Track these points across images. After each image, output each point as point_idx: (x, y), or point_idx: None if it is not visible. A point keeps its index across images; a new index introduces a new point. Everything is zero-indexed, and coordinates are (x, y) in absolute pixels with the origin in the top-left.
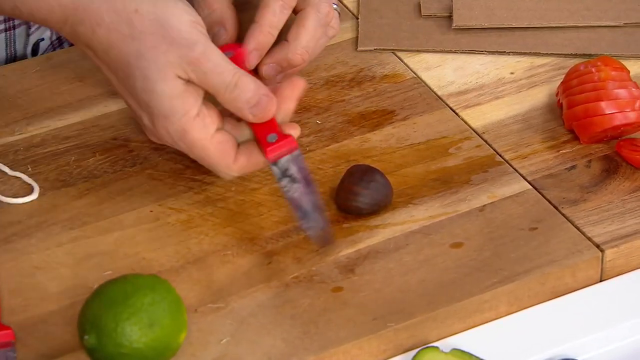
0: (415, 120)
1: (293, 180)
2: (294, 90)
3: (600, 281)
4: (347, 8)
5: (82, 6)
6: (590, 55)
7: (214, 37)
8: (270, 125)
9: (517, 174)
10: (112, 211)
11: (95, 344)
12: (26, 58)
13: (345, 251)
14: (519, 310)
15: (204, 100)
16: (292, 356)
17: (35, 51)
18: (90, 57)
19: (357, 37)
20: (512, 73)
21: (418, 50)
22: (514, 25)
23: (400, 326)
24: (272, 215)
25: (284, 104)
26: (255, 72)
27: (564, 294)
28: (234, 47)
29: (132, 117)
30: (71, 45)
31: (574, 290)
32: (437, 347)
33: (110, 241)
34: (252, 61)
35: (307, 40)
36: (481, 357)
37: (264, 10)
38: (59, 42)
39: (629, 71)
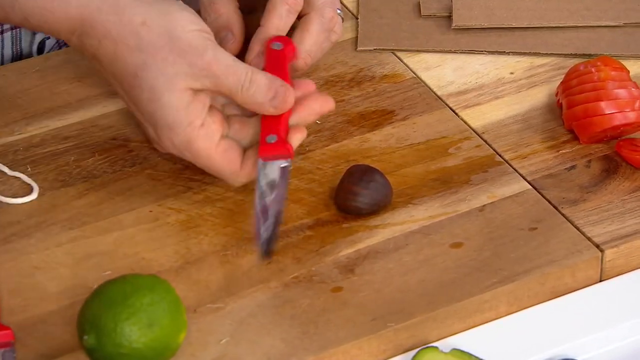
0: (415, 120)
1: (271, 187)
2: (322, 107)
3: (600, 281)
4: (346, 8)
5: (89, 18)
6: (590, 55)
7: (221, 42)
8: (277, 124)
9: (516, 174)
10: (111, 211)
11: (95, 344)
12: (32, 56)
13: (345, 251)
14: (518, 311)
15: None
16: (292, 356)
17: (40, 50)
18: (97, 68)
19: (356, 37)
20: (511, 73)
21: (418, 50)
22: (514, 25)
23: (400, 326)
24: None
25: (305, 112)
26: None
27: (563, 294)
28: (281, 39)
29: (137, 124)
30: None
31: (574, 291)
32: (436, 347)
33: (110, 241)
34: (257, 66)
35: (310, 45)
36: (481, 357)
37: (270, 14)
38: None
39: (628, 71)
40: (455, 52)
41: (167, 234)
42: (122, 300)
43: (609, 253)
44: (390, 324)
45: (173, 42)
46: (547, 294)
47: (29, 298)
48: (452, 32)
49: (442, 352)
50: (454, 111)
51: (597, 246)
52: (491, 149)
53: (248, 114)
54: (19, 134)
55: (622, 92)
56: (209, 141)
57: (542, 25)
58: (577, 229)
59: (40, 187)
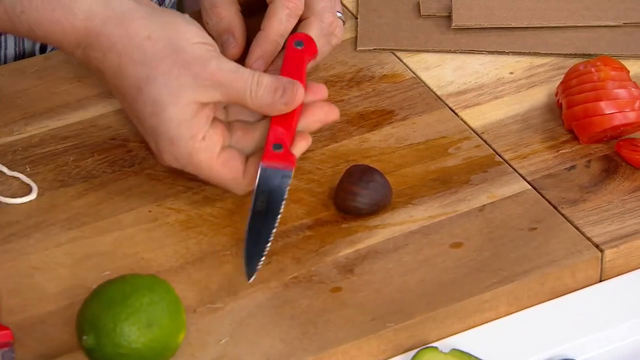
0: (415, 120)
1: (268, 196)
2: (327, 116)
3: (600, 281)
4: (346, 8)
5: (95, 31)
6: (589, 55)
7: (222, 45)
8: (286, 131)
9: (516, 174)
10: (110, 211)
11: (94, 345)
12: (35, 55)
13: (344, 251)
14: (518, 311)
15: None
16: (291, 357)
17: (43, 50)
18: (101, 82)
19: (356, 36)
20: (511, 73)
21: (417, 50)
22: (514, 25)
23: (399, 326)
24: None
25: (309, 119)
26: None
27: (563, 294)
28: (303, 38)
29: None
30: None
31: (574, 291)
32: (436, 348)
33: (109, 241)
34: (257, 70)
35: None
36: (481, 357)
37: (270, 18)
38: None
39: (628, 71)
40: (454, 52)
41: (167, 234)
42: (121, 301)
43: (608, 253)
44: (389, 324)
45: (177, 54)
46: (547, 294)
47: (28, 298)
48: (451, 32)
49: (441, 352)
50: (453, 111)
51: (597, 246)
52: (491, 149)
53: (251, 120)
54: (18, 134)
55: (622, 92)
56: (209, 153)
57: (541, 25)
58: (577, 229)
59: (39, 187)
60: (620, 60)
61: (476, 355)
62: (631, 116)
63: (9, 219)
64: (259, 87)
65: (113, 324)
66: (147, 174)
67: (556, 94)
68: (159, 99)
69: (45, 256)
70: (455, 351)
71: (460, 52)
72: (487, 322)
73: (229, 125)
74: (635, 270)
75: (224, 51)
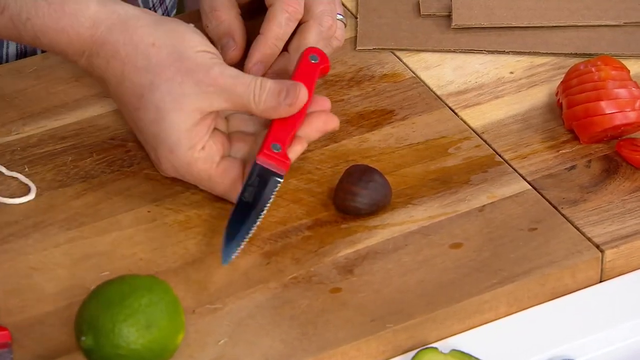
0: (415, 120)
1: (256, 191)
2: (325, 125)
3: (600, 282)
4: (346, 7)
5: (100, 39)
6: (590, 55)
7: (222, 48)
8: (286, 132)
9: (516, 174)
10: (109, 212)
11: (92, 345)
12: (36, 54)
13: (344, 252)
14: (518, 311)
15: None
16: (291, 357)
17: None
18: (105, 91)
19: (356, 36)
20: (511, 72)
21: (417, 50)
22: (514, 24)
23: (399, 327)
24: (270, 215)
25: (308, 129)
26: None
27: (563, 295)
28: (319, 53)
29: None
30: None
31: (574, 291)
32: (436, 348)
33: (108, 242)
34: (256, 74)
35: None
36: (480, 358)
37: (270, 22)
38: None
39: (629, 71)
40: (454, 51)
41: (166, 235)
42: (120, 301)
43: (609, 253)
44: (389, 324)
45: (181, 62)
46: (547, 294)
47: (26, 299)
48: (451, 31)
49: (441, 353)
50: (453, 111)
51: (597, 246)
52: (491, 149)
53: (252, 131)
54: (16, 134)
55: (622, 92)
56: (209, 163)
57: (542, 25)
58: (577, 229)
59: (37, 188)
60: (620, 60)
61: (476, 356)
62: (632, 116)
63: (7, 219)
64: (262, 91)
65: (112, 325)
66: (146, 174)
67: (556, 94)
68: (162, 106)
69: (44, 256)
70: (455, 352)
71: (460, 52)
72: (487, 322)
73: (229, 136)
74: (636, 271)
75: (223, 54)
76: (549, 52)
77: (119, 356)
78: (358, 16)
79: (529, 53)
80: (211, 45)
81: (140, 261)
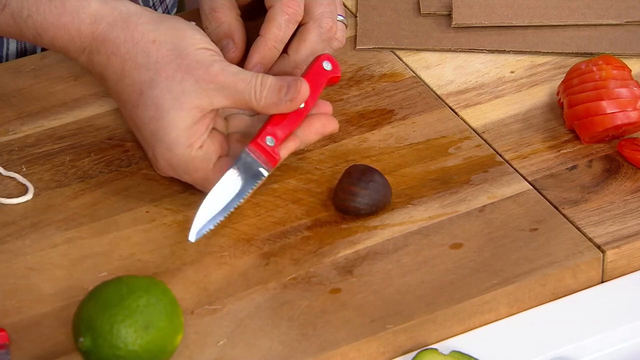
0: (415, 119)
1: (239, 178)
2: (324, 127)
3: (602, 282)
4: (345, 6)
5: (101, 35)
6: (591, 54)
7: (222, 50)
8: (285, 127)
9: (517, 174)
10: (107, 212)
11: (90, 346)
12: (36, 53)
13: (344, 252)
14: (519, 312)
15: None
16: (290, 358)
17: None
18: (104, 88)
19: (355, 35)
20: (512, 72)
21: (417, 49)
22: (514, 23)
23: (399, 328)
24: (269, 216)
25: (306, 130)
26: None
27: (564, 296)
28: (332, 61)
29: None
30: None
31: (575, 292)
32: (436, 349)
33: (106, 242)
34: None
35: (307, 55)
36: (481, 359)
37: (269, 24)
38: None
39: (630, 70)
40: (455, 50)
41: (164, 235)
42: (118, 302)
43: (610, 254)
44: (389, 325)
45: (182, 59)
46: (547, 295)
47: (23, 300)
48: (452, 30)
49: (441, 354)
50: (453, 110)
51: (599, 247)
52: (491, 149)
53: (251, 132)
54: (14, 133)
55: (623, 91)
56: (205, 162)
57: (543, 24)
58: (578, 229)
59: (35, 188)
60: (622, 59)
61: (476, 357)
62: (633, 115)
63: (4, 219)
64: (263, 88)
65: (109, 326)
66: (144, 174)
67: (557, 93)
68: (161, 104)
69: (41, 257)
70: (455, 353)
71: (461, 51)
72: (487, 323)
73: (228, 137)
74: (637, 272)
75: (223, 55)
76: (549, 51)
77: (117, 357)
78: (358, 15)
79: (529, 52)
80: (212, 43)
81: (138, 262)
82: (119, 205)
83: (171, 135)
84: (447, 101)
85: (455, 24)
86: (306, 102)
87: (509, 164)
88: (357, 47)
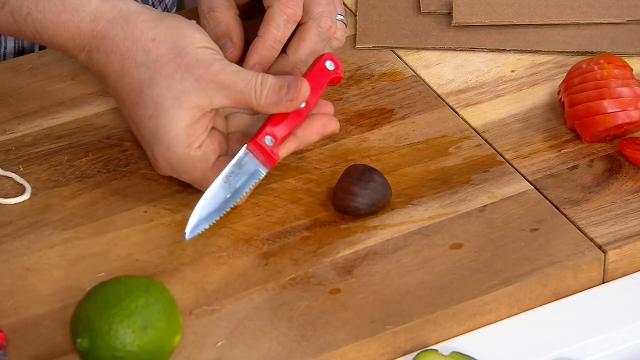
0: (415, 119)
1: (237, 178)
2: (325, 128)
3: (603, 283)
4: (345, 5)
5: (101, 34)
6: (592, 53)
7: (220, 50)
8: (281, 129)
9: (518, 174)
10: (105, 212)
11: (88, 347)
12: (34, 52)
13: (343, 253)
14: (520, 313)
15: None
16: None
17: (43, 47)
18: (104, 86)
19: (355, 34)
20: (513, 71)
21: (417, 48)
22: (515, 22)
23: (399, 329)
24: (268, 216)
25: (307, 131)
26: None
27: (566, 296)
28: (335, 61)
29: None
30: None
31: (576, 292)
32: (436, 350)
33: (104, 242)
34: None
35: (306, 55)
36: None
37: (268, 24)
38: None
39: (632, 69)
40: (455, 50)
41: (163, 235)
42: (116, 303)
43: (612, 254)
44: (389, 326)
45: (182, 58)
46: (549, 296)
47: (21, 300)
48: (452, 29)
49: (442, 355)
50: (454, 110)
51: (600, 247)
52: (492, 149)
53: (251, 131)
54: (11, 133)
55: (625, 91)
56: (205, 162)
57: (543, 23)
58: (580, 229)
59: (33, 188)
60: (623, 58)
61: (477, 358)
62: (635, 115)
63: (2, 219)
64: (263, 87)
65: (108, 327)
66: (143, 174)
67: (558, 93)
68: (161, 103)
69: (39, 257)
70: (456, 354)
71: (461, 50)
72: (488, 324)
73: (228, 136)
74: (639, 272)
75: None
76: (551, 50)
77: (116, 358)
78: (357, 14)
79: (530, 51)
80: (212, 42)
81: (136, 262)
82: (117, 205)
83: (171, 135)
84: (448, 101)
85: (455, 23)
86: (307, 102)
87: (509, 163)
88: (357, 46)
